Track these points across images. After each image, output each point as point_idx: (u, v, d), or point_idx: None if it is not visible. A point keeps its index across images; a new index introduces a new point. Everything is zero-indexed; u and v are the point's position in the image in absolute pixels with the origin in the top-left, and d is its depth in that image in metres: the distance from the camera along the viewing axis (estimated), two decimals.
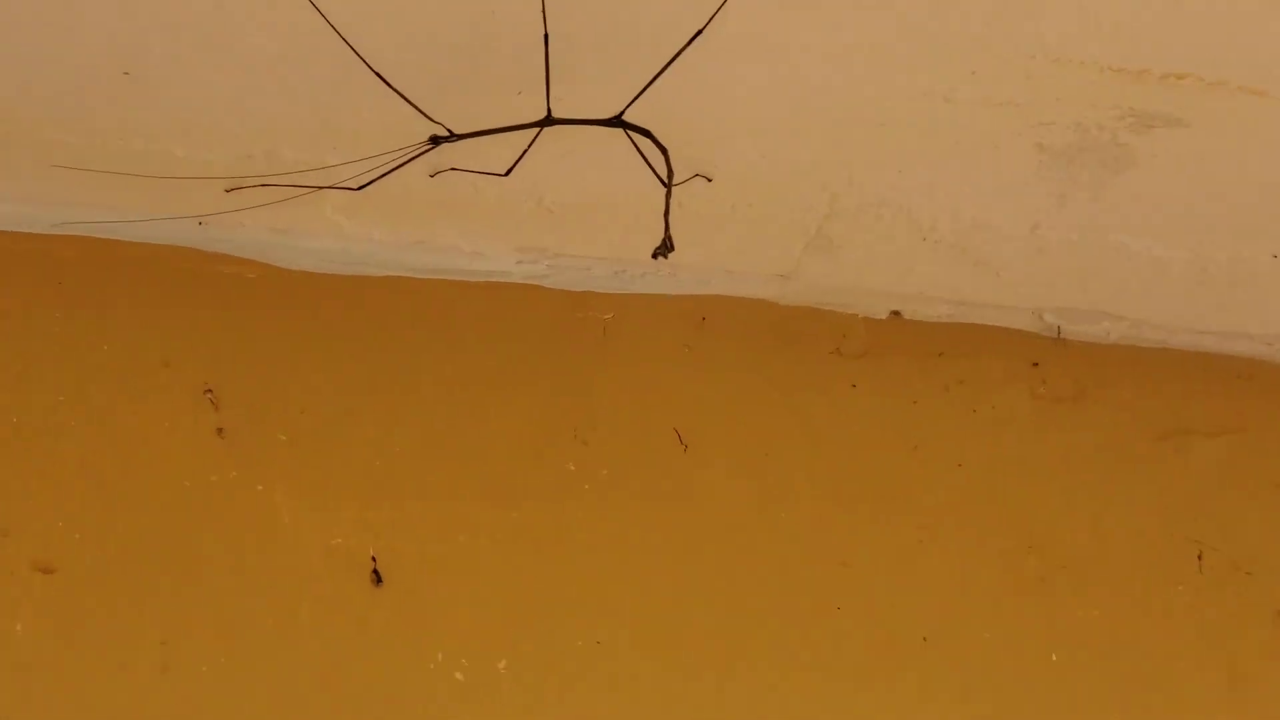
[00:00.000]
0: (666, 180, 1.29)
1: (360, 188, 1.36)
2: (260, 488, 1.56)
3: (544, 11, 1.24)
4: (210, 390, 1.59)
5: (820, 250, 1.71)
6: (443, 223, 1.65)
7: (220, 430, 1.58)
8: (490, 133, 1.31)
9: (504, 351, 1.70)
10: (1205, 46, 1.35)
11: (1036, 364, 1.85)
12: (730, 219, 1.64)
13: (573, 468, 1.66)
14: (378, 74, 1.26)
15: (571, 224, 1.65)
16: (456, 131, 1.31)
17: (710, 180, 1.54)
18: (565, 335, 1.73)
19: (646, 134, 1.31)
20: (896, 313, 1.85)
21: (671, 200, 1.27)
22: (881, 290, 1.82)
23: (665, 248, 1.21)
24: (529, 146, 1.33)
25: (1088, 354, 1.87)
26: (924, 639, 1.68)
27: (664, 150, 1.30)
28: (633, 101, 1.29)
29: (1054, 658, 1.71)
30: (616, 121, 1.32)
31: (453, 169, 1.46)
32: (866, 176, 1.57)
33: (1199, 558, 1.78)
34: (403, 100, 1.27)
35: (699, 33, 1.24)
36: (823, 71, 1.39)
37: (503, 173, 1.35)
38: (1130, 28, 1.33)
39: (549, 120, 1.30)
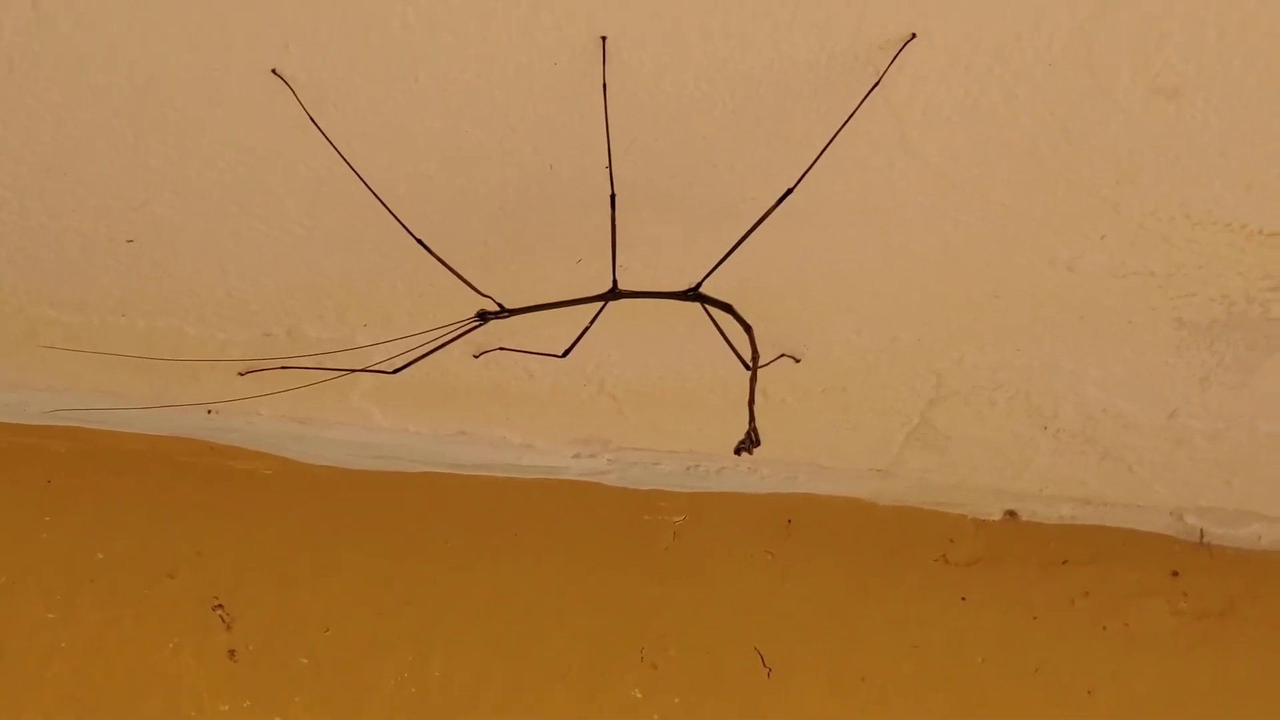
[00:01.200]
0: (751, 363, 1.22)
1: (395, 371, 1.30)
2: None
3: (610, 167, 1.18)
4: (221, 605, 1.53)
5: (924, 442, 1.65)
6: (489, 411, 1.60)
7: (232, 652, 1.52)
8: (546, 307, 1.25)
9: (560, 559, 1.64)
10: None
11: (1177, 573, 1.79)
12: (821, 406, 1.59)
13: (639, 694, 1.59)
14: (418, 239, 1.21)
15: (638, 413, 1.60)
16: (508, 306, 1.24)
17: (798, 361, 1.49)
18: (630, 540, 1.67)
19: (727, 309, 1.25)
20: (1012, 513, 1.79)
21: (756, 386, 1.19)
22: (995, 488, 1.75)
23: (750, 441, 1.14)
24: (590, 324, 1.27)
25: (1236, 562, 1.80)
26: None
27: (748, 328, 1.23)
28: (712, 271, 1.23)
29: None
30: (693, 295, 1.26)
31: (501, 349, 1.41)
32: (978, 356, 1.52)
33: None
34: (446, 270, 1.22)
35: (789, 192, 1.19)
36: (928, 236, 1.34)
37: (559, 354, 1.29)
38: None
39: (614, 293, 1.25)
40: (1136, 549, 1.77)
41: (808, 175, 1.20)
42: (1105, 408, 1.57)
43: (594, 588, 1.61)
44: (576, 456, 1.66)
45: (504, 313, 1.24)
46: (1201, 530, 1.79)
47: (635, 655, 1.58)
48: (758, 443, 1.13)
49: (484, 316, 1.25)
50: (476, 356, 1.43)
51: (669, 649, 1.60)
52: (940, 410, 1.58)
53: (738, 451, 1.13)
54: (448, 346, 1.31)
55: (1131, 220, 1.32)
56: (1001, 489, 1.74)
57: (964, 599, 1.71)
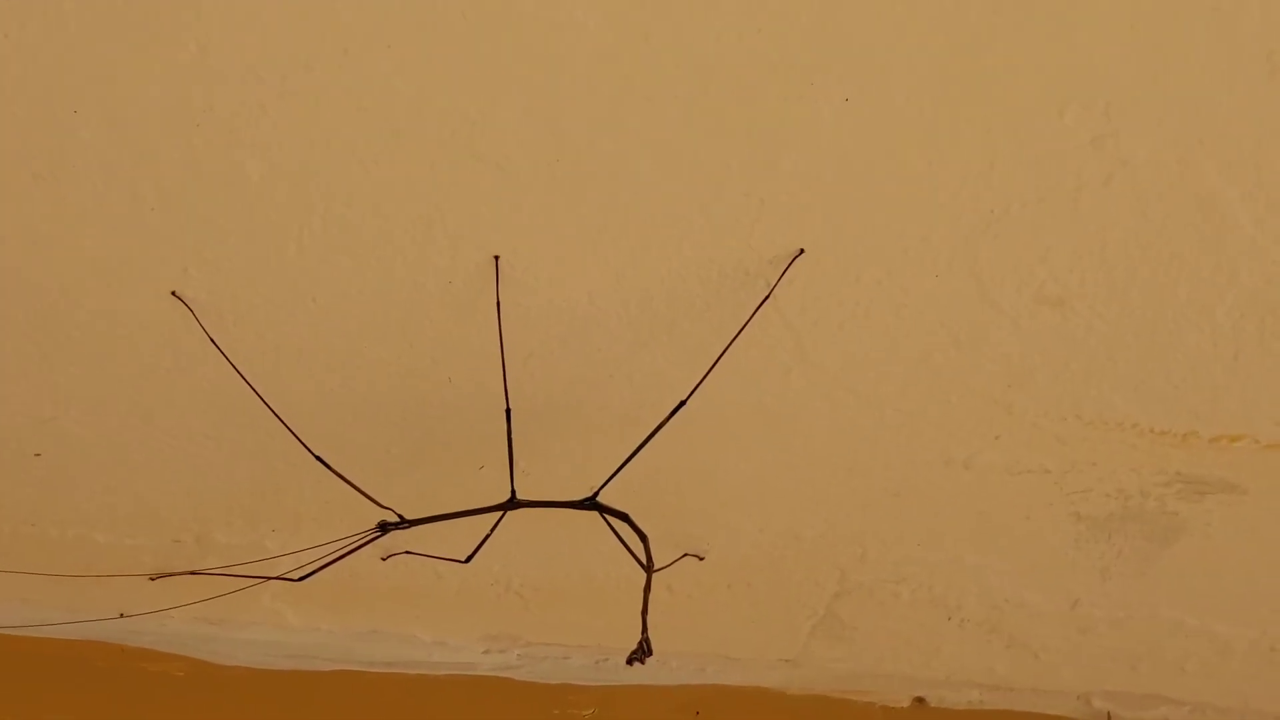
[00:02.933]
0: (646, 569, 1.18)
1: (302, 579, 1.26)
2: None
3: (505, 381, 1.16)
4: None
5: (830, 632, 1.62)
6: (399, 610, 1.56)
7: None
8: (446, 518, 1.22)
9: None
10: (1260, 404, 1.26)
11: None
12: (727, 600, 1.55)
13: None
14: (317, 456, 1.18)
15: (545, 610, 1.56)
16: (408, 517, 1.20)
17: (702, 559, 1.46)
18: None
19: (624, 518, 1.22)
20: (920, 700, 1.76)
21: (653, 589, 1.16)
22: (903, 675, 1.72)
23: (642, 651, 1.10)
24: (491, 531, 1.24)
25: None
26: None
27: (643, 536, 1.20)
28: (608, 481, 1.20)
29: None
30: (590, 504, 1.23)
31: (408, 552, 1.36)
32: (881, 551, 1.49)
33: None
34: (346, 484, 1.17)
35: (681, 404, 1.16)
36: (826, 440, 1.32)
37: (463, 559, 1.24)
38: (1171, 386, 1.25)
39: (513, 503, 1.21)
40: None
41: (704, 384, 1.18)
42: (1009, 598, 1.54)
43: None
44: (486, 652, 1.62)
45: (404, 524, 1.21)
46: (1109, 713, 1.76)
47: None
48: (649, 652, 1.10)
49: (385, 528, 1.21)
50: (384, 559, 1.38)
51: None
52: (845, 603, 1.55)
53: (630, 661, 1.09)
54: (356, 551, 1.26)
55: (1024, 421, 1.30)
56: (909, 676, 1.71)
57: None
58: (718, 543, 1.46)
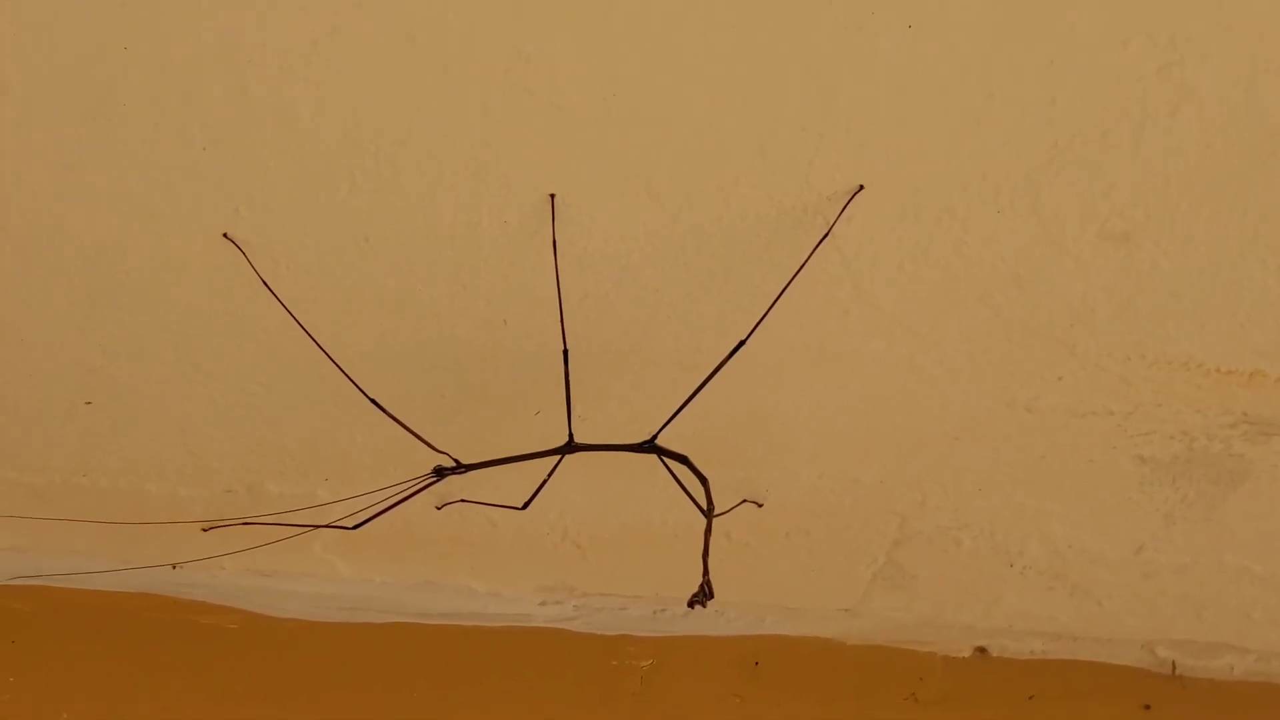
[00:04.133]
0: (707, 513, 1.18)
1: (356, 527, 1.27)
2: None
3: (562, 322, 1.16)
4: None
5: (891, 581, 1.62)
6: (453, 561, 1.57)
7: None
8: (503, 462, 1.23)
9: (527, 707, 1.60)
10: None
11: (1149, 707, 1.75)
12: (785, 549, 1.55)
13: None
14: (371, 399, 1.18)
15: (602, 560, 1.57)
16: (464, 461, 1.21)
17: (761, 506, 1.45)
18: (598, 686, 1.63)
19: (684, 461, 1.22)
20: (982, 649, 1.76)
21: (712, 535, 1.16)
22: (964, 625, 1.72)
23: (704, 594, 1.11)
24: (549, 476, 1.24)
25: (1210, 693, 1.76)
26: None
27: (703, 480, 1.20)
28: (667, 424, 1.20)
29: None
30: (649, 447, 1.23)
31: (463, 500, 1.37)
32: (941, 497, 1.49)
33: None
34: (401, 427, 1.18)
35: (740, 345, 1.17)
36: (885, 381, 1.32)
37: (520, 506, 1.25)
38: (1237, 324, 1.24)
39: (571, 446, 1.22)
40: (1108, 683, 1.73)
41: (762, 325, 1.18)
42: (1071, 544, 1.54)
43: None
44: (543, 604, 1.62)
45: (460, 468, 1.21)
46: (1174, 663, 1.75)
47: None
48: (711, 595, 1.10)
49: (440, 473, 1.22)
50: (439, 508, 1.39)
51: None
52: (905, 550, 1.54)
53: (691, 604, 1.10)
54: (411, 498, 1.27)
55: (1088, 361, 1.30)
56: (971, 625, 1.70)
57: None
58: (776, 489, 1.46)
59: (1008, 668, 1.73)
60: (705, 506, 1.20)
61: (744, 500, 1.45)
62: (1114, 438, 1.39)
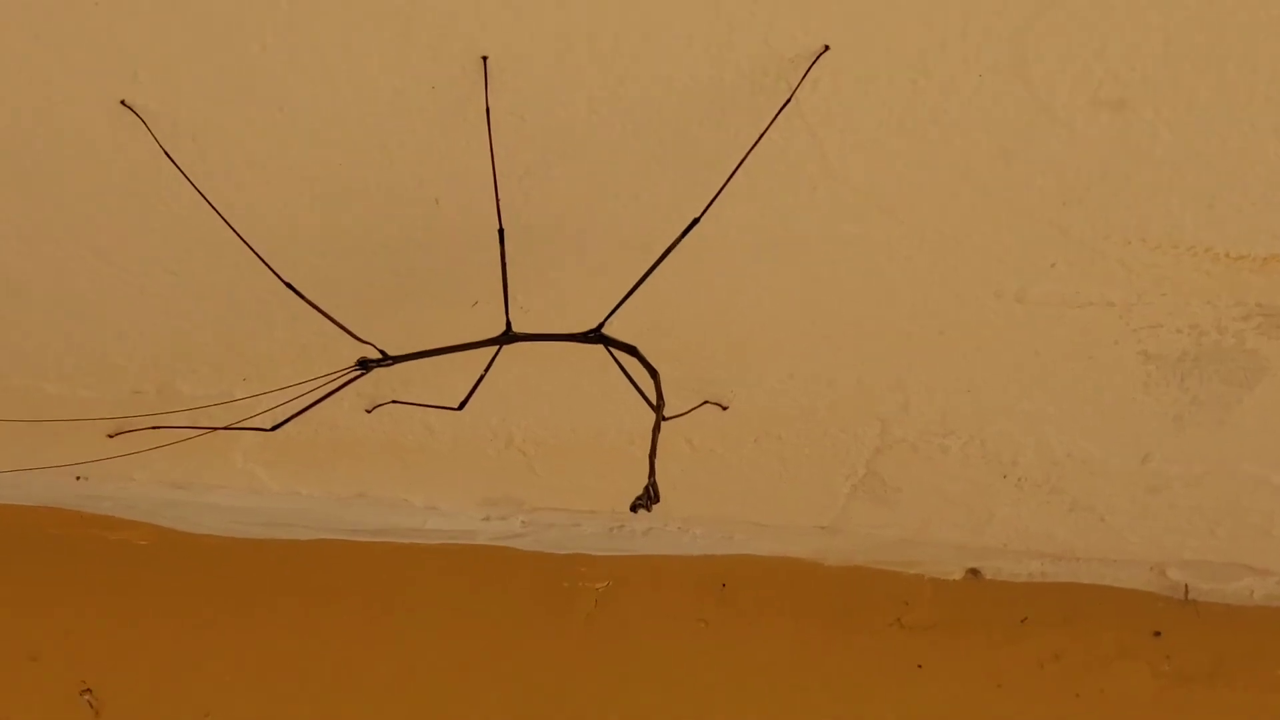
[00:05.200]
0: (656, 409, 1.22)
1: (274, 428, 1.30)
2: None
3: (497, 198, 1.18)
4: (89, 690, 1.52)
5: (872, 494, 1.65)
6: (387, 471, 1.59)
7: None
8: (433, 354, 1.25)
9: (471, 632, 1.64)
10: None
11: (1159, 633, 1.78)
12: (754, 458, 1.58)
13: None
14: (288, 283, 1.21)
15: (551, 470, 1.60)
16: (391, 353, 1.24)
17: (725, 409, 1.48)
18: (548, 610, 1.66)
19: (632, 351, 1.25)
20: (975, 571, 1.79)
21: (668, 440, 1.19)
22: (954, 543, 1.75)
23: (648, 497, 1.14)
24: (486, 370, 1.27)
25: (1226, 620, 1.79)
26: None
27: (653, 372, 1.24)
28: (614, 311, 1.23)
29: None
30: (594, 337, 1.26)
31: (394, 402, 1.39)
32: (926, 400, 1.52)
33: None
34: (323, 316, 1.21)
35: (695, 222, 1.19)
36: (859, 268, 1.34)
37: (456, 406, 1.28)
38: (1249, 202, 1.26)
39: (509, 336, 1.24)
40: (1114, 607, 1.76)
41: (720, 204, 1.19)
42: (1070, 452, 1.57)
43: (508, 662, 1.61)
44: (487, 519, 1.65)
45: (387, 360, 1.24)
46: (1186, 586, 1.78)
47: None
48: (656, 498, 1.13)
49: (365, 366, 1.24)
50: (369, 411, 1.42)
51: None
52: (887, 459, 1.58)
53: (634, 508, 1.12)
54: (338, 400, 1.30)
55: (1083, 245, 1.32)
56: (962, 545, 1.74)
57: (920, 666, 1.71)
58: (742, 390, 1.49)
59: (1002, 591, 1.76)
60: (655, 402, 1.23)
61: (705, 402, 1.48)
62: (1115, 332, 1.41)
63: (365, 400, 1.41)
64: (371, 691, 1.56)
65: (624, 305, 1.23)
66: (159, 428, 1.41)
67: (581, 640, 1.63)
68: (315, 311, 1.20)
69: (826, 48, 1.14)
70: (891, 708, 1.67)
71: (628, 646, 1.63)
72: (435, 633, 1.60)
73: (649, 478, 1.15)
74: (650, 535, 1.67)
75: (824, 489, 1.64)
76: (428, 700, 1.57)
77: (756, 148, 1.20)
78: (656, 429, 1.19)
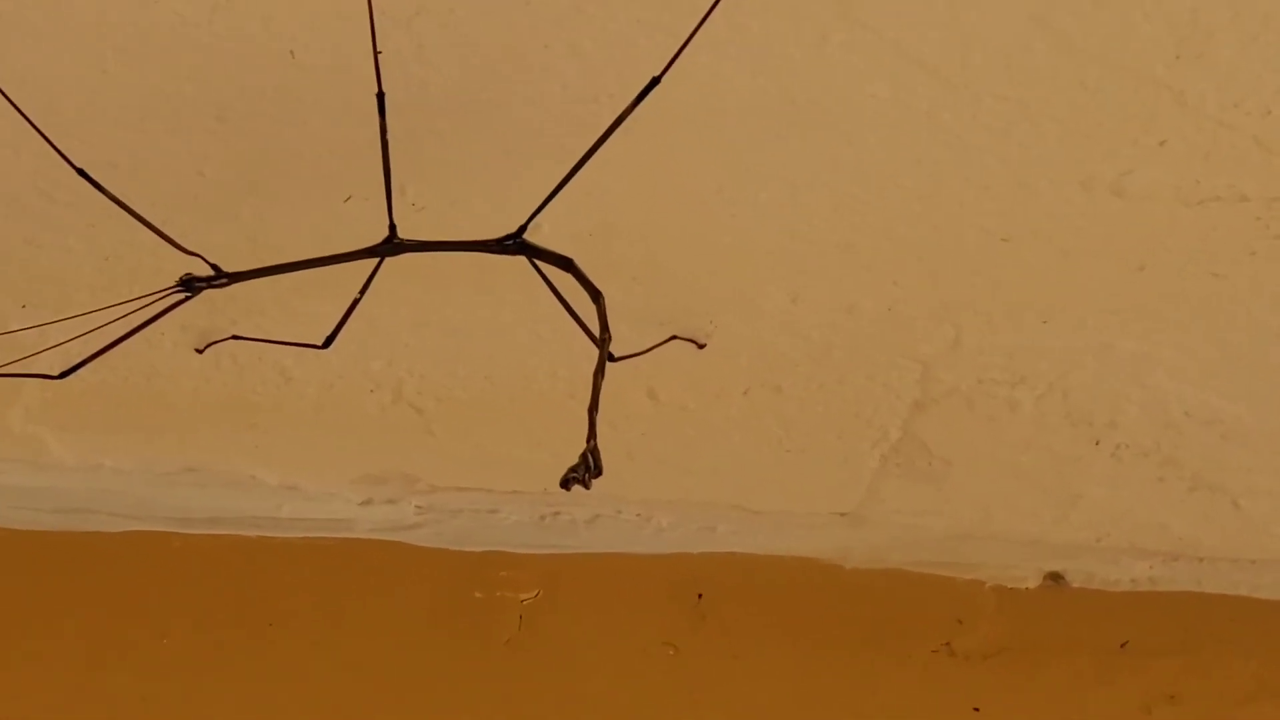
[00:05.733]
0: (599, 344, 1.23)
1: (66, 374, 1.31)
2: None
3: (375, 57, 1.19)
4: None
5: (910, 468, 1.67)
6: (228, 436, 1.61)
7: None
8: (288, 269, 1.26)
9: (340, 662, 1.67)
10: None
11: None
12: (744, 415, 1.60)
13: None
14: (79, 169, 1.21)
15: (457, 434, 1.62)
16: (228, 269, 1.25)
17: (702, 347, 1.49)
18: (454, 630, 1.70)
19: (566, 265, 1.26)
20: (1055, 576, 1.82)
21: (605, 378, 1.20)
22: (1026, 538, 1.78)
23: (586, 469, 1.15)
24: (362, 293, 1.28)
25: None
26: None
27: (596, 294, 1.25)
28: (541, 208, 1.24)
29: None
30: (514, 245, 1.27)
31: (235, 338, 1.41)
32: (984, 333, 1.54)
33: None
34: (135, 219, 1.22)
35: (655, 82, 1.19)
36: (893, 151, 1.36)
37: (320, 344, 1.30)
38: None
39: (394, 244, 1.26)
40: (1252, 628, 1.78)
41: (689, 55, 1.19)
42: (1190, 409, 1.59)
43: (397, 702, 1.64)
44: (367, 503, 1.67)
45: (222, 278, 1.25)
46: None
47: None
48: (597, 471, 1.14)
49: (191, 286, 1.25)
50: (200, 350, 1.43)
51: None
52: (931, 418, 1.60)
53: (566, 484, 1.13)
54: (155, 337, 1.33)
55: (1204, 116, 1.34)
56: (1037, 540, 1.76)
57: (978, 710, 1.73)
58: (726, 321, 1.51)
59: (1094, 604, 1.79)
60: (597, 334, 1.24)
61: (674, 337, 1.49)
62: (1250, 237, 1.43)
63: (194, 337, 1.42)
64: None
65: (556, 200, 1.24)
66: None
67: (500, 672, 1.66)
68: (121, 210, 1.21)
69: None
70: None
71: (564, 682, 1.66)
72: (291, 661, 1.63)
73: (588, 441, 1.16)
74: (597, 525, 1.69)
75: (843, 461, 1.67)
76: None
77: None
78: (599, 373, 1.20)
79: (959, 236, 1.44)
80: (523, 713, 1.62)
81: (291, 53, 1.26)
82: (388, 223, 1.25)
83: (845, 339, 1.53)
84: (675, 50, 1.19)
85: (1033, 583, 1.75)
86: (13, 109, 1.20)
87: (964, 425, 1.60)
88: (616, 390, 1.20)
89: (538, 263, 1.28)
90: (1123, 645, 1.72)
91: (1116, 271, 1.47)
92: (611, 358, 1.25)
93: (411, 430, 1.58)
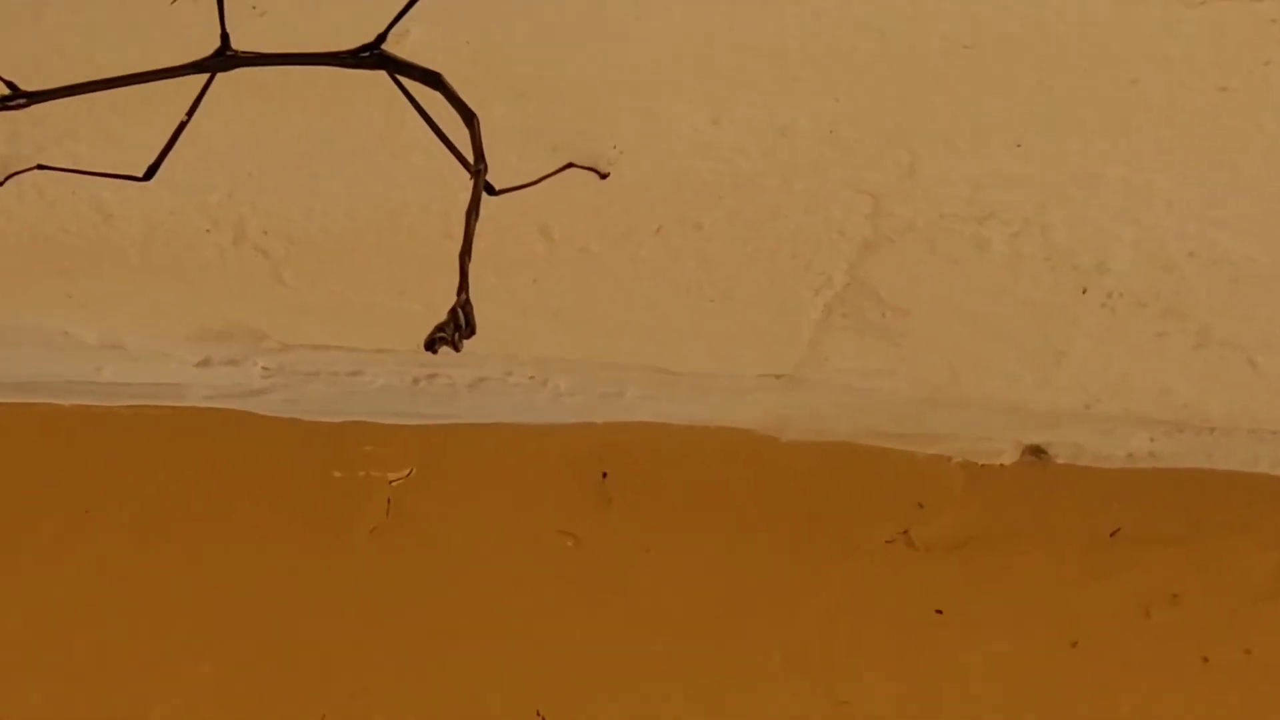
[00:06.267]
0: (473, 169, 1.27)
1: None
2: None
3: None
4: None
5: (858, 320, 1.71)
6: (33, 286, 1.65)
7: None
8: (100, 88, 1.30)
9: (180, 550, 1.71)
10: None
11: None
12: (657, 260, 1.64)
13: None
14: None
15: (313, 279, 1.66)
16: (27, 88, 1.29)
17: (605, 176, 1.54)
18: (308, 519, 1.73)
19: (433, 81, 1.30)
20: (1036, 451, 1.85)
21: (476, 219, 1.24)
22: (1001, 404, 1.82)
23: (455, 326, 1.18)
24: (190, 114, 1.31)
25: None
26: None
27: (468, 115, 1.28)
28: (405, 12, 1.27)
29: None
30: (371, 57, 1.30)
31: (41, 168, 1.44)
32: (944, 156, 1.58)
33: None
34: None
35: None
36: None
37: (141, 175, 1.33)
38: None
39: (226, 57, 1.29)
40: (1271, 512, 1.81)
41: None
42: (1194, 249, 1.63)
43: (241, 603, 1.68)
44: (204, 364, 1.71)
45: (19, 98, 1.28)
46: None
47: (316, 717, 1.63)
48: (469, 329, 1.17)
49: None
50: (0, 183, 1.46)
51: (377, 710, 1.65)
52: (883, 260, 1.64)
53: (431, 345, 1.16)
54: None
55: None
56: (1015, 407, 1.80)
57: (940, 612, 1.77)
58: (633, 147, 1.55)
59: (1080, 484, 1.83)
60: (471, 161, 1.28)
61: (570, 165, 1.53)
62: (1265, 44, 1.47)
63: None
64: (18, 638, 1.63)
65: (424, 2, 1.28)
66: None
67: (362, 565, 1.70)
68: None
69: None
70: (893, 682, 1.74)
71: (440, 579, 1.70)
72: (115, 552, 1.68)
73: (459, 294, 1.19)
74: (482, 391, 1.72)
75: (777, 312, 1.70)
76: (111, 646, 1.65)
77: None
78: (472, 210, 1.25)
79: (913, 43, 1.48)
80: (389, 615, 1.66)
81: None
82: (220, 30, 1.28)
83: (778, 166, 1.56)
84: None
85: (1009, 458, 1.78)
86: None
87: (923, 269, 1.63)
88: (505, 229, 1.24)
89: (400, 79, 1.31)
90: (1114, 533, 1.75)
91: (1105, 85, 1.50)
92: (491, 190, 1.29)
93: (257, 277, 1.61)
